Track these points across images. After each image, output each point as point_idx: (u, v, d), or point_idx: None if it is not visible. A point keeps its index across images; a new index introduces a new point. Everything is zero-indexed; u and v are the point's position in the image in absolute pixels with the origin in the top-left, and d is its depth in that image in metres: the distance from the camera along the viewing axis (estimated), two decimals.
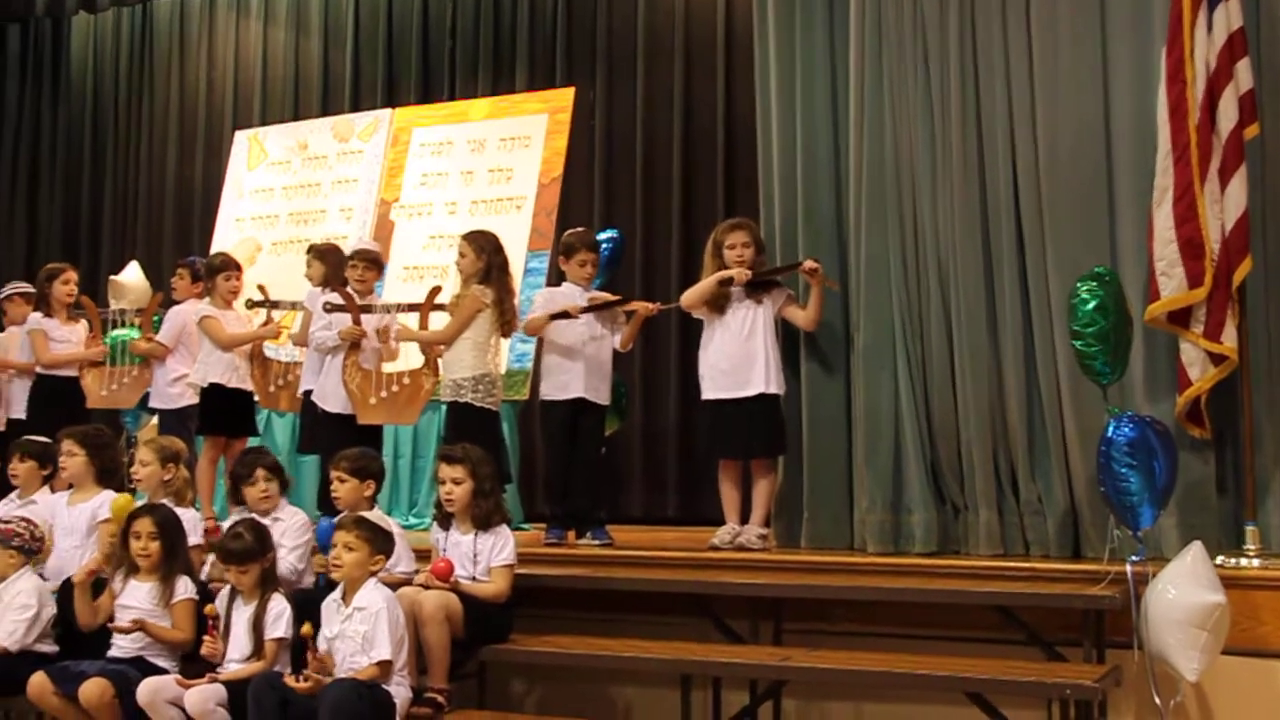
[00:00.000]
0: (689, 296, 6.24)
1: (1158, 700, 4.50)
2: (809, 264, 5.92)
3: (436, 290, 6.54)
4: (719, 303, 6.10)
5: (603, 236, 7.72)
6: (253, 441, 7.18)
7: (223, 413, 6.93)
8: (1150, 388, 5.37)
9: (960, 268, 5.74)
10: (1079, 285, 5.01)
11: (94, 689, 4.77)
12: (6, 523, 5.36)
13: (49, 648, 5.19)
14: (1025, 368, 5.61)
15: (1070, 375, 5.38)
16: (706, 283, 6.12)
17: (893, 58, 5.96)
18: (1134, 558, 4.67)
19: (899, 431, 5.79)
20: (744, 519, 6.06)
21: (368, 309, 6.55)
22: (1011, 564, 5.24)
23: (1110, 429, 4.84)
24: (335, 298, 6.52)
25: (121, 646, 5.02)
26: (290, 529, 5.28)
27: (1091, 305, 4.94)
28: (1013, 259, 5.66)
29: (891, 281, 5.89)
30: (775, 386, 6.00)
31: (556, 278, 7.00)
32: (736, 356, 6.03)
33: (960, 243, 5.75)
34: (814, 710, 5.21)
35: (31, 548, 5.31)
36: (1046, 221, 5.58)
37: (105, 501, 5.59)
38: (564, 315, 6.31)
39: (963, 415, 5.70)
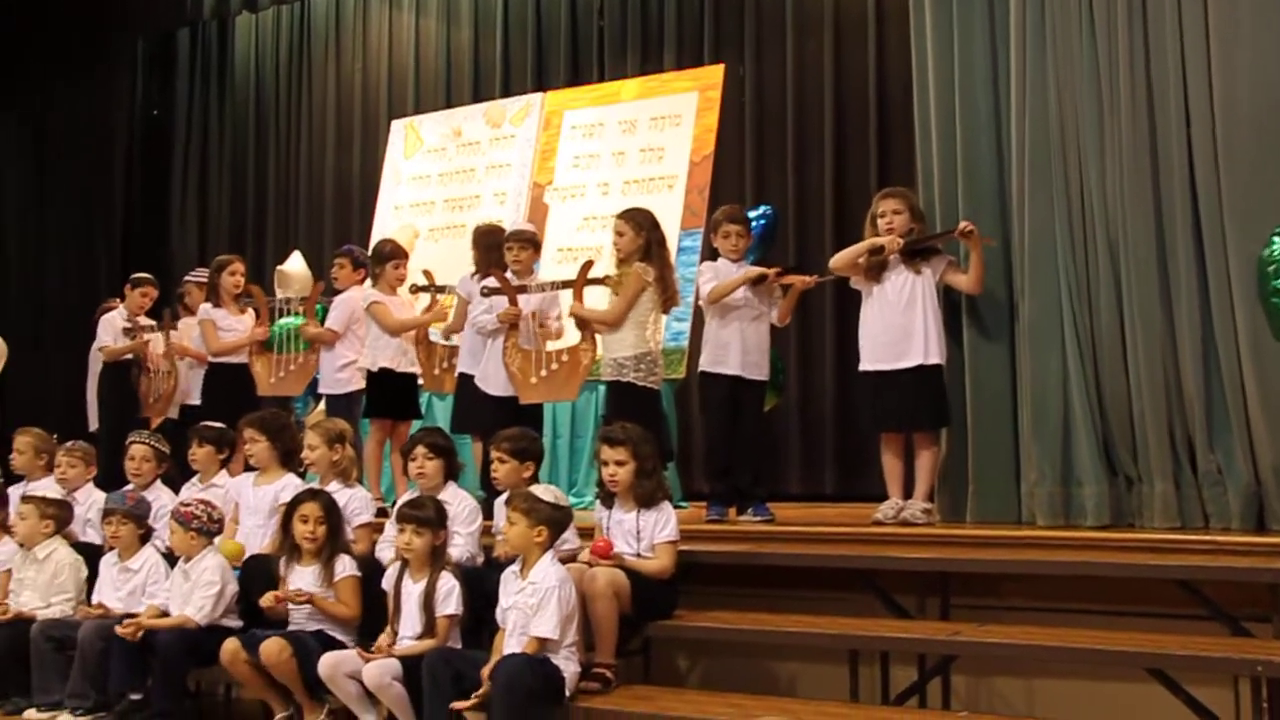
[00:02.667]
0: (837, 259, 6.17)
1: None
2: (963, 225, 5.78)
3: (589, 265, 6.54)
4: (876, 272, 5.99)
5: (755, 213, 7.67)
6: (415, 424, 7.30)
7: (388, 396, 7.05)
8: None
9: (1130, 234, 5.53)
10: (1275, 236, 4.76)
11: (273, 647, 4.93)
12: (186, 505, 5.53)
13: (234, 622, 5.36)
14: (1202, 335, 5.38)
15: (1252, 342, 5.16)
16: (856, 247, 6.04)
17: (1056, 15, 5.77)
18: None
19: (1068, 402, 5.62)
20: (907, 493, 5.96)
21: (524, 290, 6.60)
22: (1192, 537, 5.03)
23: None
24: (491, 282, 6.58)
25: (299, 622, 5.15)
26: (460, 515, 5.31)
27: None
28: (1187, 223, 5.43)
29: (1058, 249, 5.71)
30: (936, 357, 5.86)
31: (710, 255, 6.95)
32: (895, 327, 5.92)
33: (1130, 208, 5.53)
34: (984, 687, 5.09)
35: (209, 529, 5.47)
36: (1224, 184, 5.33)
37: (288, 484, 5.73)
38: (761, 279, 6.23)
39: (1134, 384, 5.50)
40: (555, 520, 4.78)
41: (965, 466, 5.91)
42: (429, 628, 4.84)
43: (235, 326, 7.72)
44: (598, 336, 6.34)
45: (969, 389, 5.94)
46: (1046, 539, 5.31)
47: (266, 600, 5.15)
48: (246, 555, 5.60)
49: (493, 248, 6.81)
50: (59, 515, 6.01)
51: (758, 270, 6.26)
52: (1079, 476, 5.56)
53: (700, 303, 6.46)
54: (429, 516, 4.95)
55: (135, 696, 5.26)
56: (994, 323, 5.93)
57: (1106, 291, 5.60)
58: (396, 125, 10.04)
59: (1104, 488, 5.52)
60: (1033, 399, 5.69)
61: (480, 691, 4.44)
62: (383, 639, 4.91)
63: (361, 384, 7.16)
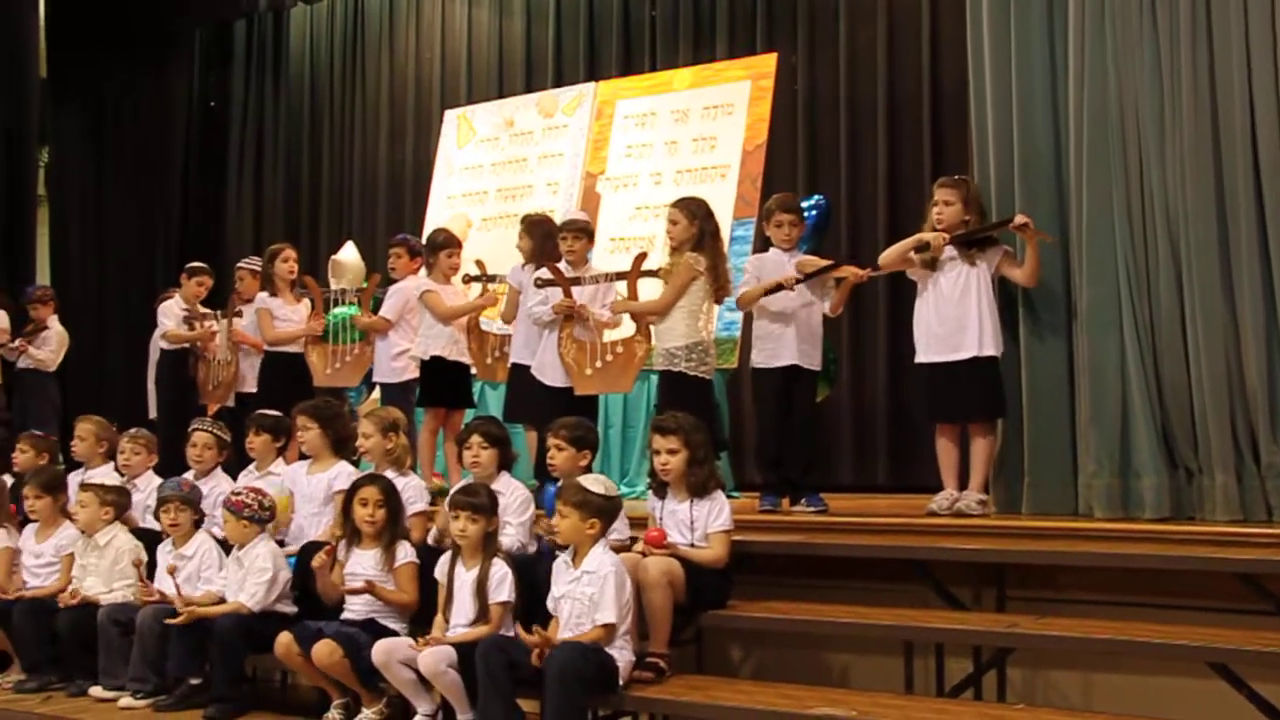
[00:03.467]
0: (885, 256, 6.14)
1: None
2: (1019, 219, 5.71)
3: (643, 256, 6.53)
4: (930, 265, 5.94)
5: (808, 203, 7.61)
6: (469, 414, 7.32)
7: (442, 385, 7.06)
8: None
9: (1191, 223, 5.43)
10: None
11: (324, 650, 4.95)
12: (238, 494, 5.57)
13: (288, 608, 5.40)
14: (1265, 325, 5.27)
15: None
16: (902, 244, 6.00)
17: (1115, 3, 5.66)
18: None
19: (1126, 393, 5.54)
20: (962, 484, 5.90)
21: (578, 281, 6.59)
22: (1255, 530, 4.93)
23: None
24: (545, 273, 6.58)
25: (354, 609, 5.17)
26: (512, 504, 5.31)
27: None
28: (1250, 212, 5.31)
29: (1116, 238, 5.62)
30: (991, 348, 5.80)
31: (762, 244, 6.92)
32: (950, 318, 5.86)
33: (1192, 198, 5.43)
34: (1040, 680, 5.02)
35: (261, 517, 5.50)
36: None
37: (342, 472, 5.76)
38: (778, 288, 6.21)
39: (1195, 375, 5.40)
40: (607, 511, 4.77)
41: (1021, 458, 5.85)
42: (482, 615, 4.83)
43: (291, 316, 7.76)
44: (651, 328, 6.32)
45: (1025, 380, 5.87)
46: (1104, 531, 5.24)
47: (318, 559, 5.18)
48: (302, 542, 5.63)
49: (545, 237, 6.80)
50: (117, 502, 6.08)
51: (774, 281, 6.20)
52: (1138, 468, 5.48)
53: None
54: (483, 503, 4.95)
55: (194, 681, 5.32)
56: (1051, 313, 5.85)
57: (1167, 281, 5.51)
58: (449, 115, 10.06)
59: (1163, 480, 5.43)
60: (1091, 390, 5.62)
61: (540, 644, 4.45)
62: (436, 628, 4.92)
63: (416, 373, 7.18)
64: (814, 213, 7.64)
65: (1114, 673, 4.82)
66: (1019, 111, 5.96)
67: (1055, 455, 5.77)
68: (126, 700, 5.40)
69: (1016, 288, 5.94)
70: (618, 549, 4.90)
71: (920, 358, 5.98)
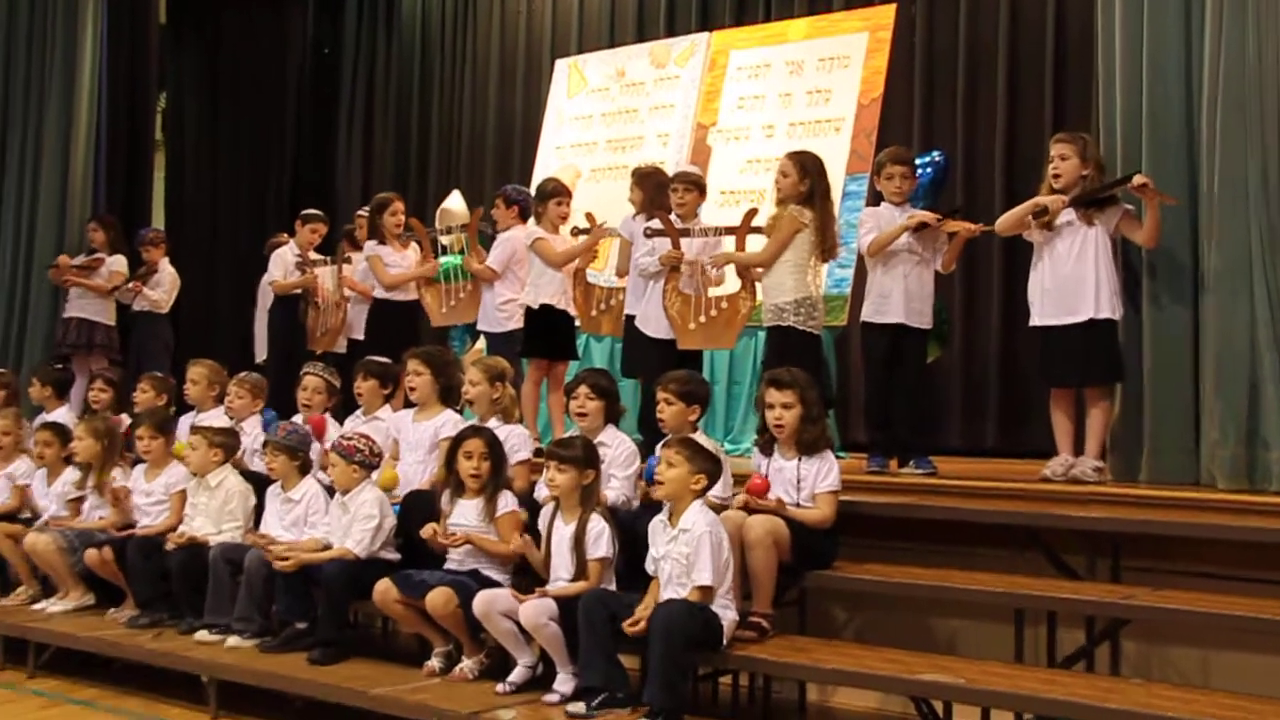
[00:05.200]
0: (1003, 221, 5.97)
1: None
2: (1138, 179, 5.51)
3: (753, 213, 6.43)
4: (1048, 225, 5.76)
5: (925, 159, 7.45)
6: (573, 366, 7.31)
7: (546, 336, 7.03)
8: None
9: None
10: None
11: (440, 598, 4.95)
12: (348, 439, 5.60)
13: (392, 555, 5.44)
14: None
15: None
16: (1019, 209, 5.83)
17: None
18: None
19: (1255, 361, 5.33)
20: (1077, 450, 5.74)
21: (687, 233, 6.51)
22: None
23: None
24: (655, 223, 6.51)
25: (456, 559, 5.19)
26: (617, 458, 5.29)
27: None
28: None
29: (1250, 200, 5.39)
30: (1109, 311, 5.63)
31: (874, 200, 6.78)
32: (1066, 280, 5.70)
33: None
34: (1155, 655, 4.89)
35: (371, 463, 5.54)
36: None
37: (448, 420, 5.80)
38: (922, 226, 6.05)
39: None
40: (712, 472, 4.72)
41: (1140, 425, 5.68)
42: (581, 570, 4.82)
43: (400, 263, 7.77)
44: (757, 285, 6.23)
45: (1146, 344, 5.70)
46: (1228, 503, 5.05)
47: (426, 531, 5.19)
48: (407, 490, 5.66)
49: (657, 188, 6.72)
50: (227, 443, 6.16)
51: (920, 217, 6.06)
52: (1265, 438, 5.28)
53: (862, 253, 6.29)
54: (575, 455, 4.91)
55: (301, 625, 5.39)
56: (1175, 275, 5.66)
57: None
58: (560, 65, 10.00)
59: None
60: (1217, 355, 5.42)
61: (638, 622, 4.43)
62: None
63: (520, 323, 7.15)
64: (929, 169, 7.48)
65: (1235, 650, 4.67)
66: (1149, 64, 5.75)
67: (1177, 423, 5.60)
68: (234, 640, 5.50)
69: (1136, 250, 5.75)
70: (719, 508, 4.86)
71: (1035, 321, 5.84)
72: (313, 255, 8.48)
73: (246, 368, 7.36)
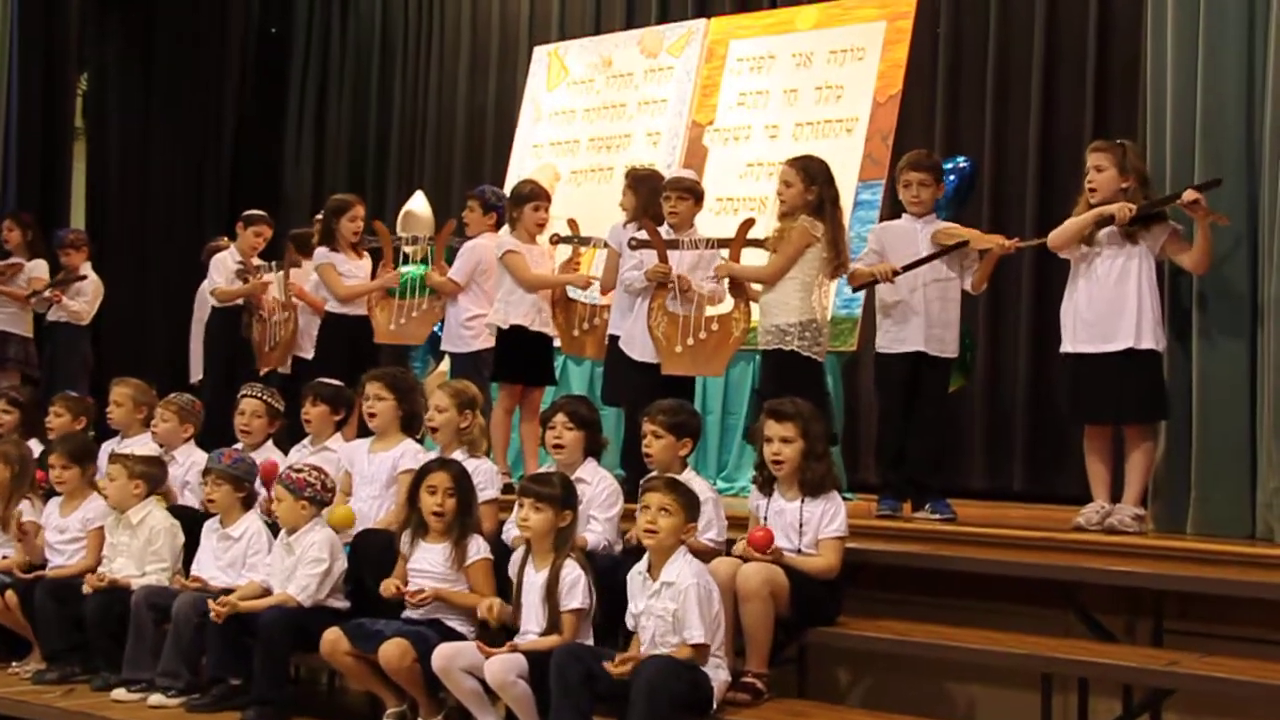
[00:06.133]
0: (1057, 236, 5.98)
1: None
2: (1188, 195, 5.58)
3: (749, 224, 6.50)
4: (1089, 239, 5.83)
5: (949, 165, 7.50)
6: (550, 392, 7.33)
7: (520, 358, 7.04)
8: None
9: None
10: None
11: (394, 650, 4.96)
12: (298, 471, 5.60)
13: (340, 603, 5.44)
14: None
15: None
16: (1080, 220, 5.85)
17: None
18: None
19: None
20: (1114, 496, 5.80)
21: (675, 245, 6.56)
22: None
23: None
24: (641, 233, 6.56)
25: (417, 608, 5.20)
26: (597, 497, 5.32)
27: None
28: None
29: None
30: (1150, 341, 5.71)
31: (892, 210, 6.83)
32: (1103, 304, 5.78)
33: None
34: None
35: (323, 498, 5.55)
36: None
37: (408, 451, 5.81)
38: (872, 283, 6.14)
39: None
40: (698, 517, 4.80)
41: (1187, 469, 5.75)
42: (553, 622, 4.84)
43: (355, 273, 7.76)
44: (753, 305, 6.27)
45: (1195, 379, 5.77)
46: None
47: (387, 588, 5.20)
48: (361, 529, 5.67)
49: (653, 194, 6.77)
50: (148, 474, 6.10)
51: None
52: None
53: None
54: (553, 493, 4.95)
55: (234, 681, 5.39)
56: (1229, 303, 5.74)
57: None
58: (539, 53, 10.06)
59: None
60: (1276, 392, 5.49)
61: (625, 664, 4.47)
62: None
63: (489, 342, 7.17)
64: (954, 177, 7.55)
65: None
66: (1205, 69, 5.82)
67: (1229, 468, 5.67)
68: (156, 698, 5.47)
69: (1184, 275, 5.81)
70: (711, 554, 4.89)
71: (1066, 347, 5.91)
72: (256, 261, 8.46)
73: (179, 388, 7.35)
